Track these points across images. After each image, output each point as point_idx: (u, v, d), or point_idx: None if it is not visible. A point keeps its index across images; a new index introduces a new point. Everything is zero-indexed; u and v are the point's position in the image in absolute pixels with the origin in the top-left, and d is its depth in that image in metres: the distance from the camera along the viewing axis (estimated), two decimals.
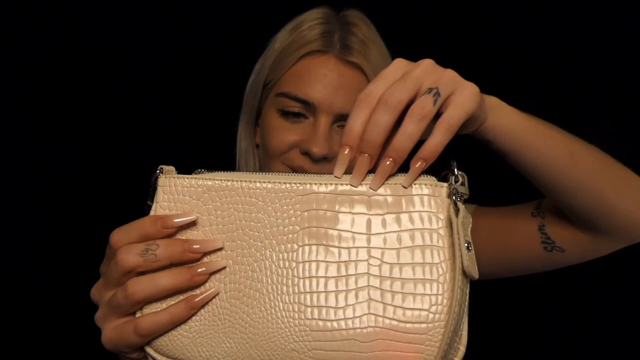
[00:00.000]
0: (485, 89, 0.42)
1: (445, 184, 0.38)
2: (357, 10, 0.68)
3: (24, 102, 1.08)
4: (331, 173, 0.39)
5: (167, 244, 0.35)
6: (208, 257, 0.37)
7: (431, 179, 0.38)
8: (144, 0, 1.08)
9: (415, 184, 0.38)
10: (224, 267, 0.37)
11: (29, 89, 1.08)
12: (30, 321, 1.08)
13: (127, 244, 0.35)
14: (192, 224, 0.37)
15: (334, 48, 0.63)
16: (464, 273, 0.35)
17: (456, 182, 0.38)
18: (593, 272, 1.01)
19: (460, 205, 0.36)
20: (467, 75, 0.40)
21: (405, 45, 0.70)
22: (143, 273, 0.36)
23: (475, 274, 0.35)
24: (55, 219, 1.09)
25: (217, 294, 0.36)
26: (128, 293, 0.34)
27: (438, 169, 0.40)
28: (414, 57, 0.41)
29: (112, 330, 0.36)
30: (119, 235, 0.36)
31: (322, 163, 0.62)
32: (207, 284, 0.37)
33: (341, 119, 0.62)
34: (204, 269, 0.36)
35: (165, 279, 0.35)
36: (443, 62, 0.40)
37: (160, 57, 1.11)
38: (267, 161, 0.66)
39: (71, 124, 1.10)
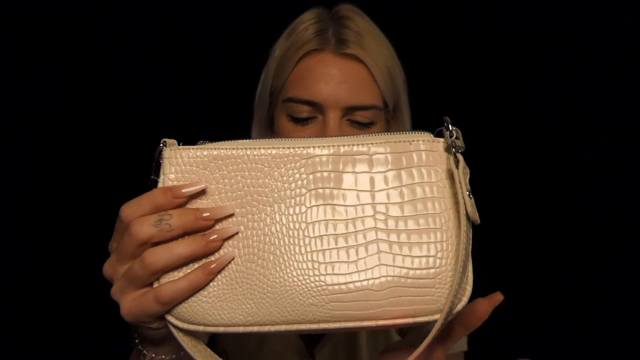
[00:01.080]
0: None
1: (441, 139, 0.40)
2: (349, 4, 0.69)
3: (27, 89, 1.07)
4: None
5: (179, 213, 0.36)
6: (220, 224, 0.38)
7: (428, 135, 0.40)
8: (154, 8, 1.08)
9: (413, 141, 0.40)
10: (237, 233, 0.38)
11: (32, 79, 1.07)
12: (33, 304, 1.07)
13: (139, 217, 0.36)
14: (202, 193, 0.38)
15: (329, 44, 0.64)
16: (468, 218, 0.37)
17: (451, 137, 0.40)
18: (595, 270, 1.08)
19: (460, 157, 0.39)
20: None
21: (402, 37, 0.72)
22: (156, 245, 0.36)
23: (477, 219, 0.37)
24: (53, 207, 1.09)
25: (233, 258, 0.37)
26: (146, 263, 0.35)
27: (432, 127, 0.42)
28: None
29: (132, 302, 0.36)
30: (130, 209, 0.36)
31: None
32: (221, 251, 0.38)
33: (350, 112, 0.63)
34: (217, 235, 0.37)
35: (182, 247, 0.36)
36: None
37: (173, 68, 1.12)
38: None
39: (76, 126, 1.10)
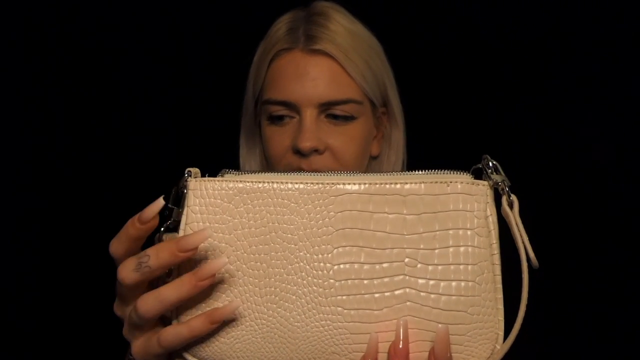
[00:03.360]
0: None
1: (483, 182, 0.37)
2: (328, 2, 0.66)
3: (32, 104, 1.10)
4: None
5: (156, 253, 0.34)
6: (211, 257, 0.36)
7: (467, 177, 0.38)
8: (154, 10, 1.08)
9: (450, 182, 0.37)
10: (226, 264, 0.35)
11: (36, 91, 1.10)
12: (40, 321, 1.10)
13: (123, 257, 0.35)
14: (224, 229, 0.37)
15: (299, 42, 0.62)
16: (529, 264, 0.35)
17: (497, 172, 0.38)
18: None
19: (514, 198, 0.36)
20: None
21: (393, 36, 0.69)
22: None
23: (537, 263, 0.36)
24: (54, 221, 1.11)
25: (237, 307, 0.36)
26: (139, 313, 0.34)
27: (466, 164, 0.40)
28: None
29: (140, 344, 0.36)
30: (112, 246, 0.36)
31: (314, 156, 0.61)
32: (235, 290, 0.36)
33: (326, 108, 0.61)
34: (206, 271, 0.34)
35: (170, 293, 0.34)
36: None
37: (167, 70, 1.11)
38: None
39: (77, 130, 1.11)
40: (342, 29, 0.63)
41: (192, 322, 0.35)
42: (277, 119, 0.63)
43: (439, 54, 1.06)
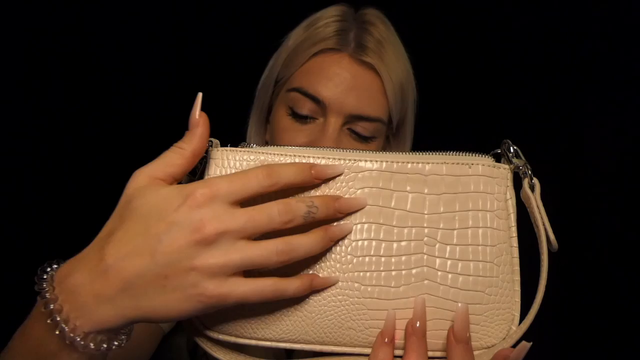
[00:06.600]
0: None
1: (505, 165, 0.38)
2: (376, 10, 0.65)
3: (31, 98, 1.08)
4: None
5: (324, 205, 0.35)
6: None
7: (488, 160, 0.38)
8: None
9: (472, 164, 0.37)
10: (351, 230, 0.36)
11: (35, 84, 1.08)
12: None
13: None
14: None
15: (348, 46, 0.61)
16: (549, 245, 0.36)
17: (517, 157, 0.38)
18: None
19: (536, 181, 0.37)
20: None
21: (423, 46, 0.69)
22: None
23: (557, 246, 0.36)
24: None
25: (337, 281, 0.36)
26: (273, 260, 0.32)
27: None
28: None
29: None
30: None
31: None
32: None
33: (352, 121, 0.60)
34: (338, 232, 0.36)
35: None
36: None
37: (168, 53, 1.10)
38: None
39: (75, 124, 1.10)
40: (391, 46, 0.62)
41: (286, 283, 0.33)
42: (299, 115, 0.61)
43: (451, 41, 1.05)
